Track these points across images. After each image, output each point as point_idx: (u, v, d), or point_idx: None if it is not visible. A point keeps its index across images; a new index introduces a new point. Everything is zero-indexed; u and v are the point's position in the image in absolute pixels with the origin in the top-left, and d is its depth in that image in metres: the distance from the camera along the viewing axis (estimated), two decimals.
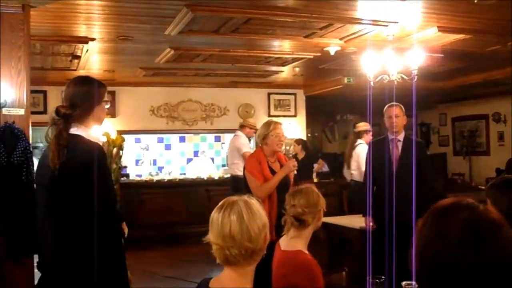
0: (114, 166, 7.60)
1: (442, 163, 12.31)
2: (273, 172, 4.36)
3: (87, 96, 2.79)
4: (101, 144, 2.88)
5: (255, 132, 5.10)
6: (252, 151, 5.85)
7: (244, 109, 10.54)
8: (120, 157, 8.36)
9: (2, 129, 4.04)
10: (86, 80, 2.89)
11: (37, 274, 3.12)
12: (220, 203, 2.01)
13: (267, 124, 4.53)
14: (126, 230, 3.44)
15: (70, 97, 2.79)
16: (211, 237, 1.95)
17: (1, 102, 4.27)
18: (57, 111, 2.70)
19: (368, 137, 7.63)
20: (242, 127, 7.90)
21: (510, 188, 2.34)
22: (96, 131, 2.97)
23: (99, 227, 2.54)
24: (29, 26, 4.51)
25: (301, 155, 9.19)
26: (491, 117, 11.58)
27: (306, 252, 2.87)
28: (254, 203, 1.99)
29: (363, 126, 7.90)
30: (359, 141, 7.78)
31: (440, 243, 1.24)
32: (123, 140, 8.07)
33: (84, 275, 2.61)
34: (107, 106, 2.93)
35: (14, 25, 4.39)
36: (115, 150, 7.85)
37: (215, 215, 1.96)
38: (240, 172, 6.43)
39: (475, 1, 4.70)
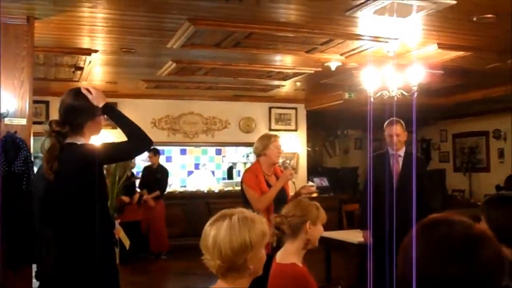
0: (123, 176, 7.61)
1: (440, 179, 12.31)
2: (269, 185, 4.39)
3: (78, 112, 2.77)
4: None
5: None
6: None
7: (245, 122, 10.55)
8: (132, 167, 8.38)
9: (4, 139, 4.07)
10: (79, 95, 2.82)
11: (35, 284, 3.14)
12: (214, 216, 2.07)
13: (267, 137, 4.59)
14: (127, 243, 3.43)
15: (63, 111, 2.80)
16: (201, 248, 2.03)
17: (3, 112, 4.30)
18: (50, 125, 2.73)
19: None
20: None
21: (503, 203, 2.34)
22: (96, 139, 2.98)
23: (93, 231, 2.59)
24: (33, 37, 4.57)
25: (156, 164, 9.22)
26: (492, 134, 11.58)
27: (300, 265, 2.87)
28: (241, 221, 2.00)
29: None
30: None
31: (420, 257, 1.26)
32: None
33: (81, 281, 2.64)
34: (105, 116, 2.95)
35: (18, 36, 4.45)
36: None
37: (205, 228, 2.04)
38: None
39: (474, 19, 4.75)
